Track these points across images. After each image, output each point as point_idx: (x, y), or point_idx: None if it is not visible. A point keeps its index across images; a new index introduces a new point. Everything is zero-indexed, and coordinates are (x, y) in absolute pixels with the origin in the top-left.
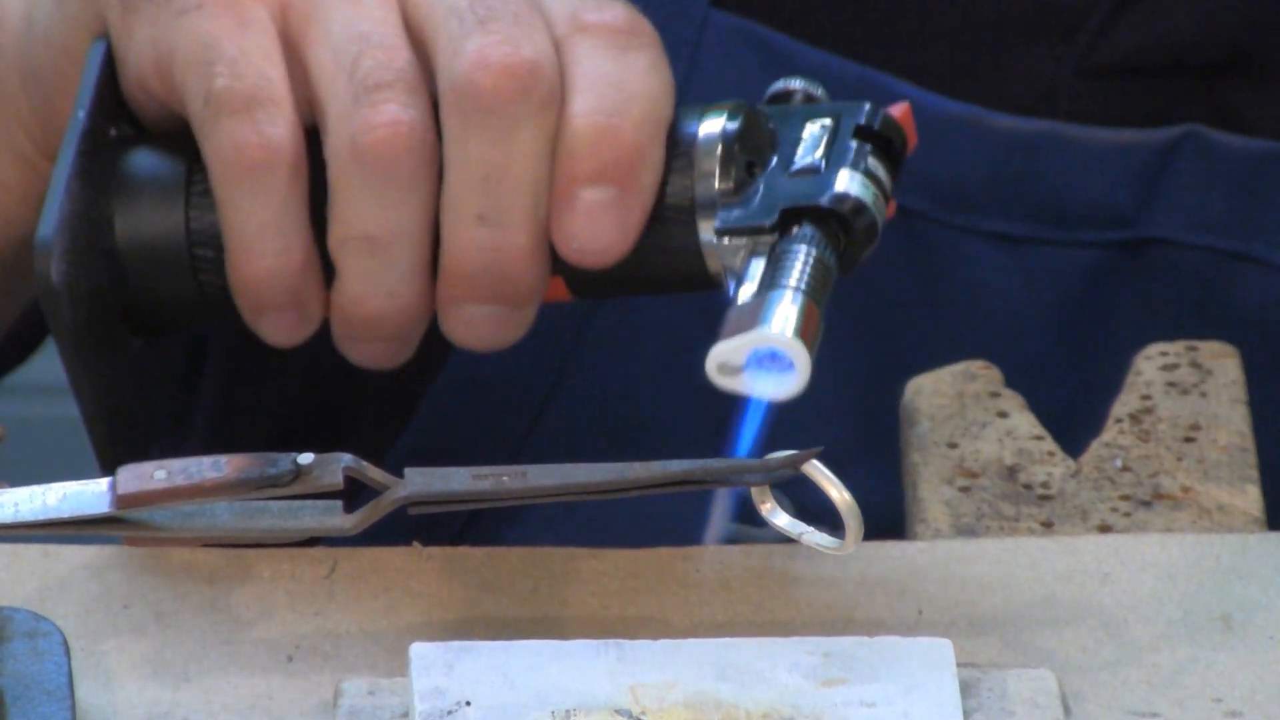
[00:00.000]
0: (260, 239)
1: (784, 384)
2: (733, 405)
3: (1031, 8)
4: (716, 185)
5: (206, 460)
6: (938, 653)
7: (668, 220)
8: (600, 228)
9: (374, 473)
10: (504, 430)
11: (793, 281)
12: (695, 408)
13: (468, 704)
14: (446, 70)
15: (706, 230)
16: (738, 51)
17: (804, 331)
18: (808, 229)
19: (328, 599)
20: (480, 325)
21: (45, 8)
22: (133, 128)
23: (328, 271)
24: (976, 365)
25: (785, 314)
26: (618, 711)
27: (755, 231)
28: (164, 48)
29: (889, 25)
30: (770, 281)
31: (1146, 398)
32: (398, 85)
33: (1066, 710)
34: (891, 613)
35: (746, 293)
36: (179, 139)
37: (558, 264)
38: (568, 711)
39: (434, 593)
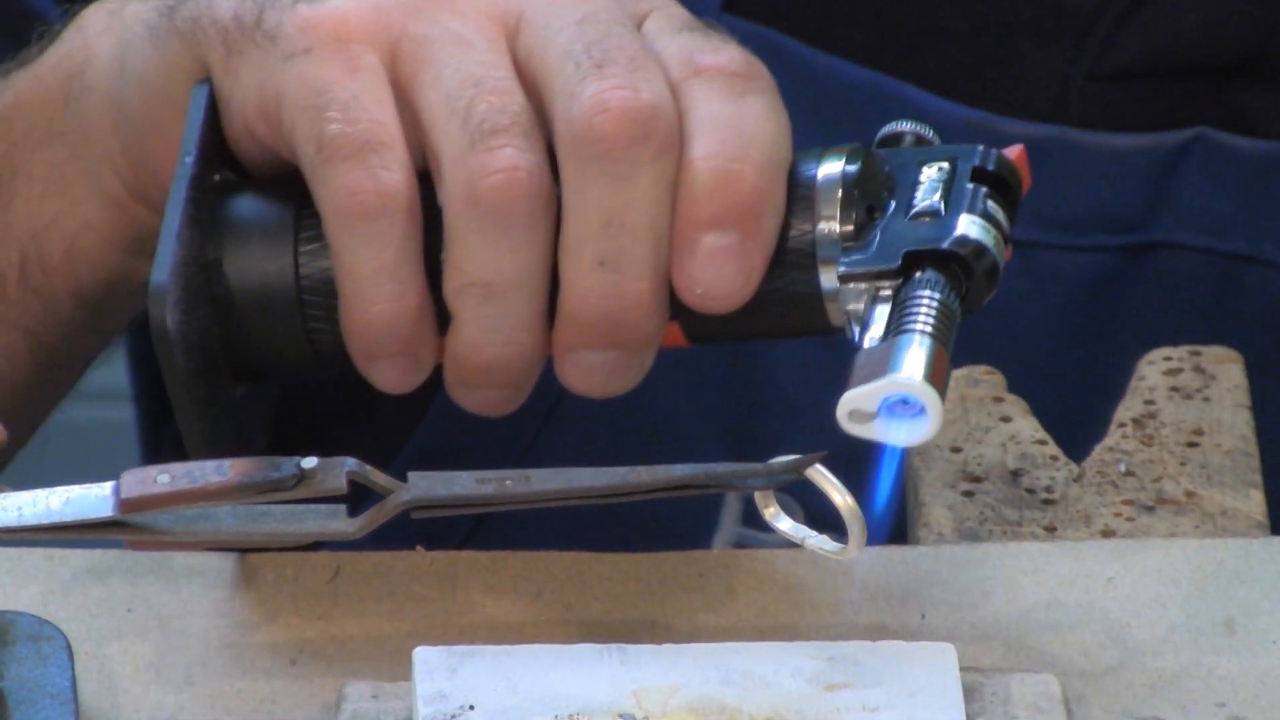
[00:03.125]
0: (375, 285)
1: (916, 430)
2: (742, 410)
3: (1041, 12)
4: (838, 228)
5: (210, 464)
6: (941, 657)
7: (788, 264)
8: (722, 273)
9: (378, 477)
10: (511, 432)
11: (920, 326)
12: (701, 411)
13: (471, 708)
14: (563, 115)
15: (827, 274)
16: None
17: (934, 376)
18: (931, 273)
19: (331, 603)
20: (597, 372)
21: (140, 50)
22: (234, 172)
23: (440, 318)
24: (980, 370)
25: (915, 359)
26: (621, 716)
27: (878, 276)
28: (271, 92)
29: (900, 30)
30: (897, 327)
31: (1150, 402)
32: (513, 130)
33: (1069, 715)
34: (894, 617)
35: (872, 338)
36: (285, 183)
37: (675, 309)
38: (571, 716)
39: (437, 597)
